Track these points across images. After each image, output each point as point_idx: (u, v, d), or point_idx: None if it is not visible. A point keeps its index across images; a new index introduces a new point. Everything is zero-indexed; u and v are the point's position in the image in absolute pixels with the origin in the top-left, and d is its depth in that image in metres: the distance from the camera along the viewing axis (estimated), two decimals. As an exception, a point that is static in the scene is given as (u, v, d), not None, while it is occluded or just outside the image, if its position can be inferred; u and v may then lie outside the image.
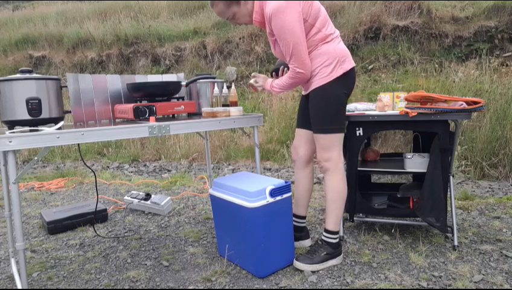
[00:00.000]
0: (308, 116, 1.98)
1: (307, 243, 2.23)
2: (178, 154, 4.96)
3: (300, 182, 2.19)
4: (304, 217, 2.22)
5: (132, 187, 3.81)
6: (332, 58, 1.83)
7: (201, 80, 2.34)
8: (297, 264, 1.94)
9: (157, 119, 1.94)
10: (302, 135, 2.12)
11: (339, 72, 1.83)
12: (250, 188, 1.82)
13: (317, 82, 1.86)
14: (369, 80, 5.25)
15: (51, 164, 5.25)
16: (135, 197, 3.07)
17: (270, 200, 1.82)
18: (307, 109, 1.98)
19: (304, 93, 2.07)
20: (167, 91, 2.13)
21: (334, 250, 1.98)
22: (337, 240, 2.00)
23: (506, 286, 1.71)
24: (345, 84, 1.87)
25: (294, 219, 2.17)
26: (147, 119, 1.93)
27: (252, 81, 2.07)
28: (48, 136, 1.54)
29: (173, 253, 2.21)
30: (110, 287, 1.85)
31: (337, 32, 1.93)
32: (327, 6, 6.33)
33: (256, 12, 1.84)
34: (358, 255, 2.07)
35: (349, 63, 1.87)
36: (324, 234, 2.00)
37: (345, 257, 2.05)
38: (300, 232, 2.22)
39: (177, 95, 2.29)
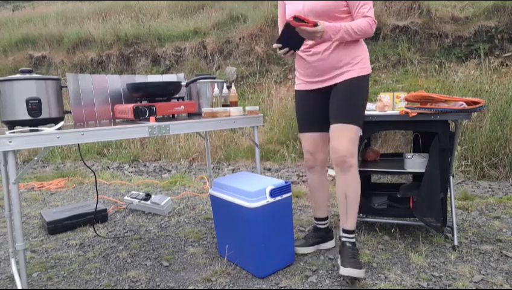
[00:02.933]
0: (322, 114, 1.91)
1: (330, 244, 2.18)
2: (178, 155, 4.96)
3: (321, 186, 2.11)
4: (326, 218, 2.17)
5: (132, 187, 3.81)
6: (367, 54, 1.88)
7: (201, 80, 2.34)
8: (351, 271, 1.70)
9: (157, 120, 1.94)
10: (317, 139, 2.00)
11: (370, 69, 1.89)
12: (250, 188, 1.82)
13: (358, 71, 1.81)
14: (369, 80, 5.24)
15: (51, 164, 5.25)
16: (135, 197, 3.07)
17: (270, 200, 1.82)
18: (321, 104, 1.90)
19: (317, 86, 1.91)
20: (167, 91, 2.13)
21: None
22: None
23: (506, 286, 1.71)
24: (368, 81, 1.91)
25: (316, 222, 2.16)
26: (147, 120, 1.93)
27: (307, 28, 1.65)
28: (48, 136, 1.54)
29: (173, 253, 2.21)
30: (110, 287, 1.85)
31: None
32: (327, 6, 6.33)
33: None
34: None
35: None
36: (348, 235, 1.90)
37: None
38: (326, 233, 2.17)
39: (177, 95, 2.29)
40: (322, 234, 2.16)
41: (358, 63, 1.80)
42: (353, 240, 1.90)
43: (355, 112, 1.80)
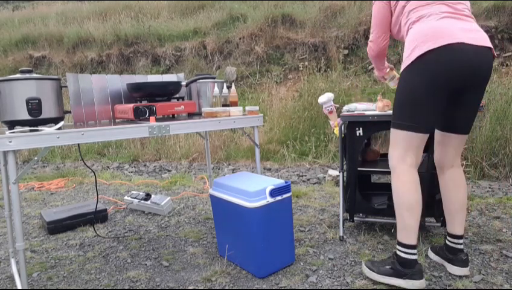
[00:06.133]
0: (436, 114, 1.67)
1: (459, 271, 1.79)
2: (178, 154, 4.96)
3: (442, 190, 1.87)
4: (457, 237, 1.82)
5: (132, 187, 3.81)
6: (413, 40, 1.58)
7: (201, 80, 2.34)
8: (362, 266, 1.83)
9: (157, 119, 1.94)
10: (434, 137, 1.86)
11: (413, 56, 1.55)
12: (250, 188, 1.82)
13: (402, 69, 1.66)
14: (369, 80, 5.25)
15: (51, 164, 5.25)
16: (135, 197, 3.07)
17: (270, 200, 1.82)
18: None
19: None
20: (167, 91, 2.13)
21: (402, 269, 1.66)
22: (410, 256, 1.66)
23: (506, 286, 1.71)
24: (422, 71, 1.54)
25: (448, 238, 1.86)
26: (147, 119, 1.93)
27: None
28: (48, 136, 1.54)
29: (173, 253, 2.21)
30: (110, 287, 1.85)
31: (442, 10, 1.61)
32: (327, 6, 6.34)
33: None
34: (358, 255, 2.07)
35: (431, 43, 1.51)
36: (396, 245, 1.74)
37: (345, 257, 2.05)
38: (453, 255, 1.81)
39: (177, 95, 2.29)
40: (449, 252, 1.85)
41: (403, 62, 1.66)
42: (401, 254, 1.69)
43: (394, 112, 1.70)
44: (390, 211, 2.32)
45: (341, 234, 2.29)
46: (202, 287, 1.81)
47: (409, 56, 1.59)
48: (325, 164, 4.27)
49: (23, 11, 10.99)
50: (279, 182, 1.91)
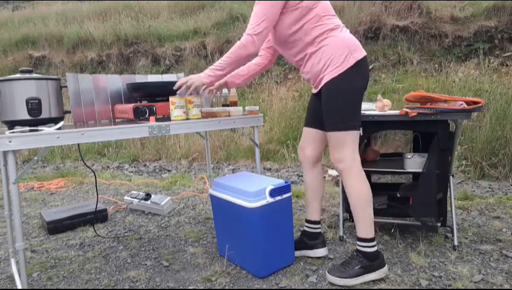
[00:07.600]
0: (317, 114, 1.89)
1: (322, 252, 2.06)
2: (178, 154, 4.96)
3: (309, 184, 2.06)
4: (317, 223, 2.07)
5: (132, 187, 3.81)
6: (343, 47, 1.72)
7: (201, 80, 2.34)
8: (328, 276, 1.80)
9: (157, 119, 1.94)
10: (309, 134, 2.01)
11: (351, 62, 1.72)
12: (250, 188, 1.82)
13: (329, 74, 1.74)
14: (369, 80, 5.25)
15: (51, 164, 5.25)
16: (135, 197, 3.07)
17: (270, 200, 1.82)
18: (317, 106, 1.90)
19: (314, 91, 1.94)
20: (167, 91, 2.13)
21: (371, 263, 1.78)
22: (374, 249, 1.80)
23: (506, 286, 1.71)
24: (361, 73, 1.76)
25: (306, 224, 2.08)
26: (147, 119, 1.93)
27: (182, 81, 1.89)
28: (48, 136, 1.54)
29: (173, 253, 2.21)
30: (110, 287, 1.85)
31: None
32: (327, 6, 6.33)
33: None
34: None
35: (361, 52, 1.75)
36: (357, 243, 1.83)
37: (345, 257, 2.05)
38: (314, 240, 2.06)
39: (177, 95, 2.29)
40: (309, 239, 2.08)
41: (328, 67, 1.74)
42: (367, 249, 1.80)
43: (336, 117, 1.76)
44: (390, 211, 2.32)
45: (341, 234, 2.30)
46: (202, 287, 1.81)
47: (344, 61, 1.73)
48: (325, 164, 4.27)
49: (23, 11, 10.99)
50: (279, 182, 1.91)
